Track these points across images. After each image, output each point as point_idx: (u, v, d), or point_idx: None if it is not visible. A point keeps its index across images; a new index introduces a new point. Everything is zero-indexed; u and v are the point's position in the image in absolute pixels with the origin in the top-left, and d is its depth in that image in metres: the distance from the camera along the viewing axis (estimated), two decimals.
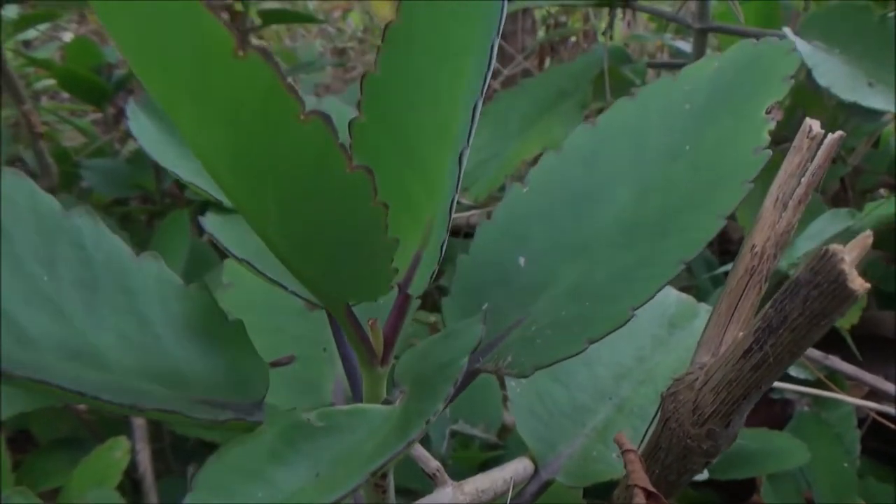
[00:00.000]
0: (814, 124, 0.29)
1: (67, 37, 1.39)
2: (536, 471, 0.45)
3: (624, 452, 0.37)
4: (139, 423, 0.69)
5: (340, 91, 1.43)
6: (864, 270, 0.84)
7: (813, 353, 0.68)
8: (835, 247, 0.23)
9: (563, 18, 1.38)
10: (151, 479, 0.66)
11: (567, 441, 0.46)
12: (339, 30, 1.80)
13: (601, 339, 0.31)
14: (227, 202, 0.36)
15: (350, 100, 0.46)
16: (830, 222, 0.66)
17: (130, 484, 0.67)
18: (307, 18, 1.33)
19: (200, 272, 0.78)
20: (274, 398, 0.45)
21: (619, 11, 0.94)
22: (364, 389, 0.33)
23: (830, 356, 0.69)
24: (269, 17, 1.11)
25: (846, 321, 0.80)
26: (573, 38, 1.38)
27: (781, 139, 0.83)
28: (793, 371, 0.68)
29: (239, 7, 1.05)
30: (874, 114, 0.71)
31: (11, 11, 0.91)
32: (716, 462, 0.36)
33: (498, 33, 0.30)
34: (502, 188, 0.83)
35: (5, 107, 0.95)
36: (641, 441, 0.40)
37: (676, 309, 0.53)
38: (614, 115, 0.40)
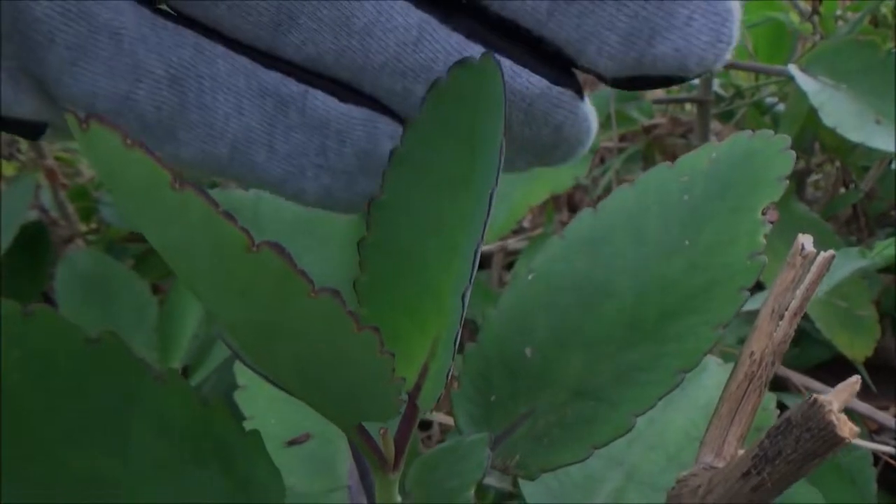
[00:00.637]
0: (806, 242, 0.30)
1: None
2: None
3: None
4: None
5: None
6: (878, 300, 0.84)
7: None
8: (822, 398, 0.24)
9: None
10: None
11: None
12: None
13: (605, 445, 0.32)
14: None
15: None
16: (841, 264, 0.66)
17: None
18: None
19: None
20: (290, 478, 0.46)
21: None
22: (377, 493, 0.34)
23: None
24: None
25: (860, 353, 0.80)
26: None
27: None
28: None
29: None
30: None
31: None
32: None
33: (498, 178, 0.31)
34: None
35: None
36: None
37: None
38: (615, 201, 0.41)
